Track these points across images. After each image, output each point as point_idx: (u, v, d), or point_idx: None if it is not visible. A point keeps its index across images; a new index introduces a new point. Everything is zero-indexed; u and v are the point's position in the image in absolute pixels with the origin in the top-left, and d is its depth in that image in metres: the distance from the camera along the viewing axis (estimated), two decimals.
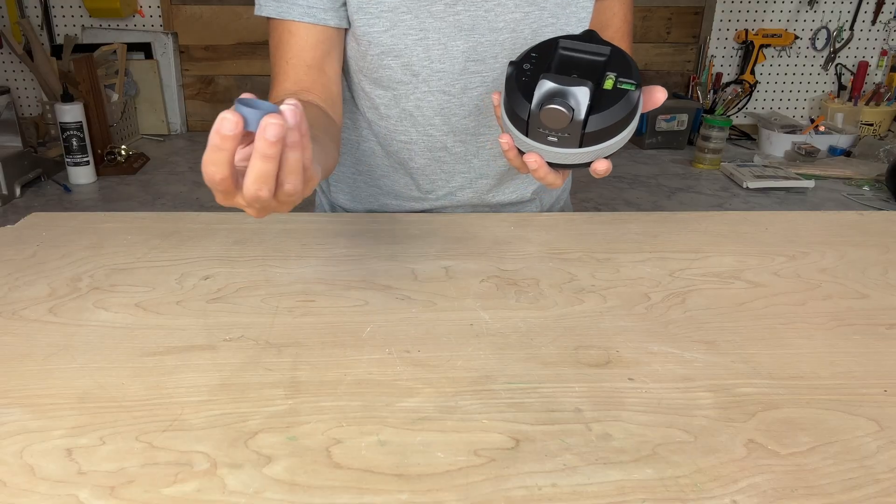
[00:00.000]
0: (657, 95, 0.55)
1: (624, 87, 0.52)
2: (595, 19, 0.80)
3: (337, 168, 0.89)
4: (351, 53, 0.76)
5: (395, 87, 0.76)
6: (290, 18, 0.69)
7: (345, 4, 0.71)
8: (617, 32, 0.81)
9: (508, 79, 0.54)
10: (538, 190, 0.89)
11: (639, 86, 0.52)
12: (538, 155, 0.55)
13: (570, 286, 0.59)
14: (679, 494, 0.36)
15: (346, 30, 0.74)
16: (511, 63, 0.54)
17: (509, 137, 0.56)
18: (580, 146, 0.52)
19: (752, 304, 0.57)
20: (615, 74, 0.52)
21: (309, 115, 0.58)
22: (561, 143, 0.52)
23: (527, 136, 0.53)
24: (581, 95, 0.50)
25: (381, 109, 0.79)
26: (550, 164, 0.55)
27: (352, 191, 0.89)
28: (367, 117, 0.81)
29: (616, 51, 0.54)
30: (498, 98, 0.58)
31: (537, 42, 0.56)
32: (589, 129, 0.51)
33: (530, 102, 0.51)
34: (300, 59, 0.70)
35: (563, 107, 0.49)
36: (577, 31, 0.74)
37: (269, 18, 0.71)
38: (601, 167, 0.54)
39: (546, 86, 0.50)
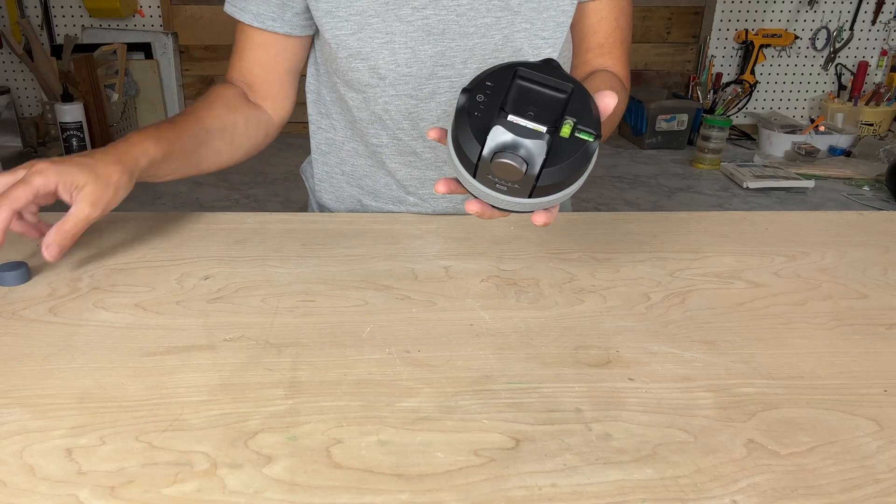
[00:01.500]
0: (606, 101, 0.50)
1: (582, 135, 0.47)
2: (579, 24, 0.77)
3: (321, 168, 0.89)
4: (324, 56, 0.77)
5: (364, 90, 0.76)
6: (242, 21, 0.75)
7: (301, 13, 0.73)
8: (607, 39, 0.77)
9: (459, 111, 0.48)
10: None
11: (598, 136, 0.48)
12: (481, 204, 0.51)
13: (570, 286, 0.59)
14: (679, 494, 0.36)
15: (308, 35, 0.77)
16: (463, 91, 0.49)
17: (446, 183, 0.52)
18: (529, 197, 0.48)
19: (752, 304, 0.57)
20: (574, 120, 0.47)
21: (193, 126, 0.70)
22: (510, 193, 0.48)
23: (474, 178, 0.48)
24: (536, 149, 0.45)
25: (354, 111, 0.79)
26: (494, 206, 0.51)
27: (335, 191, 0.89)
28: (346, 118, 0.82)
29: (578, 88, 0.49)
30: (435, 134, 0.52)
31: (492, 66, 0.50)
32: (541, 182, 0.47)
33: (482, 146, 0.46)
34: (251, 56, 0.77)
35: (516, 161, 0.45)
36: (554, 36, 0.72)
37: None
38: (539, 220, 0.50)
39: (500, 136, 0.45)
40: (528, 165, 0.45)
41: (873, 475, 0.37)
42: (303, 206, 0.63)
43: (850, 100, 3.63)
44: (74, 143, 2.73)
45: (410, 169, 0.82)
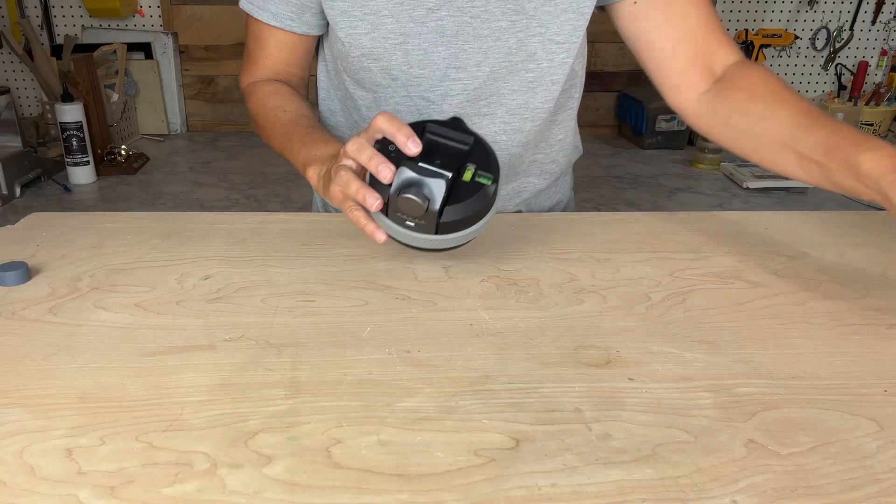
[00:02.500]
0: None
1: (481, 180, 0.55)
2: (637, 40, 0.73)
3: None
4: (336, 54, 0.77)
5: (376, 90, 0.76)
6: (261, 20, 0.76)
7: (318, 14, 0.74)
8: (697, 30, 0.70)
9: None
10: (520, 203, 0.87)
11: (495, 180, 0.55)
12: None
13: (570, 286, 0.59)
14: (679, 494, 0.36)
15: (320, 35, 0.79)
16: (376, 142, 0.56)
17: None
18: (436, 233, 0.55)
19: (752, 304, 0.57)
20: (475, 166, 0.55)
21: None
22: (417, 229, 0.55)
23: (387, 216, 0.55)
24: (437, 188, 0.53)
25: (363, 111, 0.79)
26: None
27: None
28: (353, 117, 0.82)
29: (479, 141, 0.57)
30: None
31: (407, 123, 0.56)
32: (444, 219, 0.54)
33: (390, 185, 0.53)
34: (277, 55, 0.79)
35: (419, 197, 0.52)
36: (570, 41, 0.73)
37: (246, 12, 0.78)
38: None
39: (404, 174, 0.53)
40: (429, 202, 0.53)
41: (873, 475, 0.37)
42: (303, 207, 0.64)
43: (850, 100, 3.63)
44: (74, 143, 2.73)
45: None
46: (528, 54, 0.72)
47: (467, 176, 0.55)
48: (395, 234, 0.57)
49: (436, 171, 0.53)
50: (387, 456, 0.38)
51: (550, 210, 0.92)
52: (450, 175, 0.53)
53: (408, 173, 0.53)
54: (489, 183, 0.55)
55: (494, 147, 0.67)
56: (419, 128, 0.56)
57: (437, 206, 0.53)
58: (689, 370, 0.47)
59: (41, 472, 0.36)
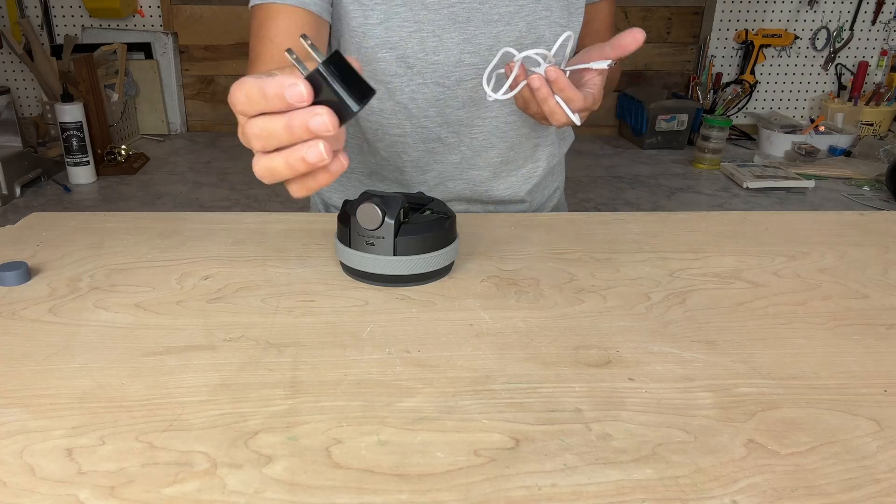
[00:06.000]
0: (635, 35, 0.63)
1: (440, 217, 0.59)
2: (585, 14, 0.83)
3: None
4: (345, 47, 0.77)
5: (390, 80, 0.76)
6: (275, 1, 0.69)
7: None
8: (601, 25, 0.86)
9: (340, 216, 0.60)
10: (531, 190, 0.89)
11: (452, 218, 0.60)
12: (537, 75, 0.63)
13: (570, 286, 0.59)
14: (679, 494, 0.36)
15: (330, 25, 0.75)
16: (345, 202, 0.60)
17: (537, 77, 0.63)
18: (394, 255, 0.57)
19: (752, 304, 0.57)
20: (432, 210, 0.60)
21: None
22: (379, 251, 0.57)
23: (349, 246, 0.58)
24: (394, 202, 0.56)
25: (373, 104, 0.79)
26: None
27: (344, 189, 0.90)
28: (362, 112, 0.82)
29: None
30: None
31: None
32: (401, 234, 0.56)
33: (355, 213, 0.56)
34: (283, 41, 0.70)
35: (377, 203, 0.55)
36: (571, 22, 0.78)
37: (252, 7, 0.72)
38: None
39: (364, 198, 0.56)
40: (385, 214, 0.55)
41: (873, 475, 0.37)
42: (303, 207, 0.64)
43: (850, 100, 3.63)
44: (74, 143, 2.73)
45: (432, 154, 0.83)
46: (537, 37, 0.75)
47: (426, 213, 0.60)
48: (354, 264, 0.58)
49: (393, 195, 0.57)
50: (387, 456, 0.38)
51: (542, 206, 0.94)
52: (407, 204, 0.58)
53: (367, 197, 0.56)
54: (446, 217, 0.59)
55: (506, 127, 0.81)
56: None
57: (394, 218, 0.55)
58: (689, 370, 0.47)
59: (41, 472, 0.36)
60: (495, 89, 0.67)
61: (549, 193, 0.95)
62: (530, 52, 0.64)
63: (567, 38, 0.66)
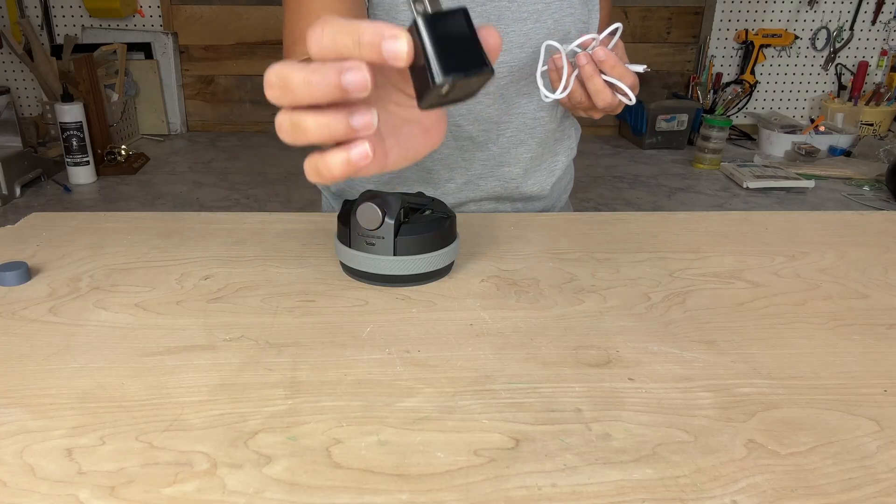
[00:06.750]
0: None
1: (440, 217, 0.59)
2: None
3: None
4: None
5: None
6: None
7: None
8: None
9: (340, 216, 0.60)
10: (554, 184, 0.91)
11: (452, 218, 0.59)
12: (583, 53, 0.64)
13: (570, 286, 0.59)
14: (679, 494, 0.36)
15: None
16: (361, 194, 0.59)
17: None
18: (394, 254, 0.56)
19: (752, 304, 0.57)
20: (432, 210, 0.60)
21: None
22: (379, 251, 0.57)
23: (349, 247, 0.58)
24: (394, 201, 0.56)
25: None
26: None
27: (364, 190, 0.90)
28: None
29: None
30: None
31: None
32: (401, 234, 0.56)
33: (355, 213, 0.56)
34: (325, 10, 0.64)
35: (377, 204, 0.55)
36: (591, 18, 0.81)
37: None
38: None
39: (363, 199, 0.56)
40: (385, 214, 0.55)
41: (873, 475, 0.37)
42: (303, 207, 0.63)
43: (850, 100, 3.63)
44: (74, 143, 2.73)
45: (461, 152, 0.83)
46: (564, 33, 0.77)
47: (426, 212, 0.59)
48: (355, 265, 0.58)
49: (392, 194, 0.57)
50: (387, 456, 0.38)
51: (566, 188, 0.97)
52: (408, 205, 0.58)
53: (365, 198, 0.56)
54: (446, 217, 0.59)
55: (534, 123, 0.83)
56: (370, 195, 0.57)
57: (394, 218, 0.55)
58: (689, 370, 0.47)
59: (41, 472, 0.36)
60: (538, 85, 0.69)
61: (565, 186, 0.96)
62: (579, 41, 0.65)
63: (616, 28, 0.67)
